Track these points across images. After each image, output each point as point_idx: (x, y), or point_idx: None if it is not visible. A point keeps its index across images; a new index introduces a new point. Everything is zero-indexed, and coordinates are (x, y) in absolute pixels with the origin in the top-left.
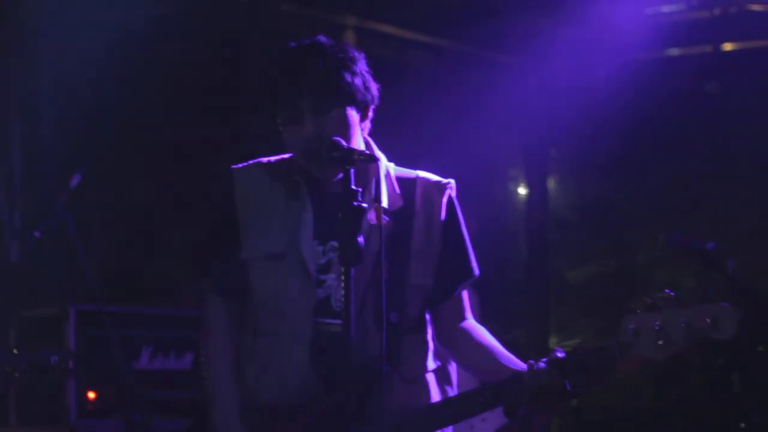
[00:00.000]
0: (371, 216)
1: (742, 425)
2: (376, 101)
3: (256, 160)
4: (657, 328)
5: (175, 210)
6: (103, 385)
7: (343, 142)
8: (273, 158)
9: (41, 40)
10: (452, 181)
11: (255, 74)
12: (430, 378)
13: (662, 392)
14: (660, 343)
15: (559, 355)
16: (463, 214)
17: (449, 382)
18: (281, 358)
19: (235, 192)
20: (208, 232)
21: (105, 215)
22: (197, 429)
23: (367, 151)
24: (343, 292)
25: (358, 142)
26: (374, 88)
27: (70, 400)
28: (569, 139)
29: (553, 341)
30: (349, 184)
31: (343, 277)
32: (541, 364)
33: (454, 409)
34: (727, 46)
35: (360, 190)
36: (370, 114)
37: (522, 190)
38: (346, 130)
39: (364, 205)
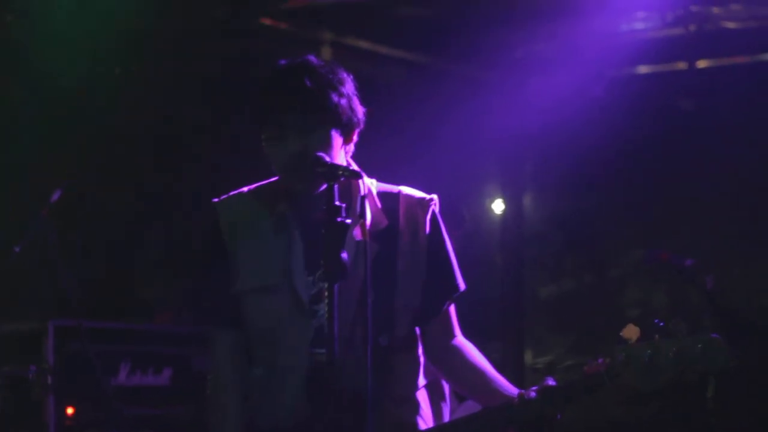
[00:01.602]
0: (356, 233)
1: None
2: (362, 125)
3: (237, 191)
4: (647, 359)
5: (156, 225)
6: (82, 401)
7: (327, 158)
8: (254, 186)
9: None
10: (435, 197)
11: (232, 87)
12: (421, 395)
13: (637, 406)
14: (649, 372)
15: (551, 384)
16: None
17: (442, 397)
18: (276, 388)
19: (220, 225)
20: (198, 270)
21: (85, 231)
22: None
23: (351, 167)
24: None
25: (342, 162)
26: (360, 111)
27: (49, 415)
28: (544, 154)
29: (528, 356)
30: (333, 200)
31: (326, 293)
32: (532, 394)
33: None
34: (702, 63)
35: (344, 205)
36: (355, 138)
37: (497, 206)
38: (329, 150)
39: (348, 221)
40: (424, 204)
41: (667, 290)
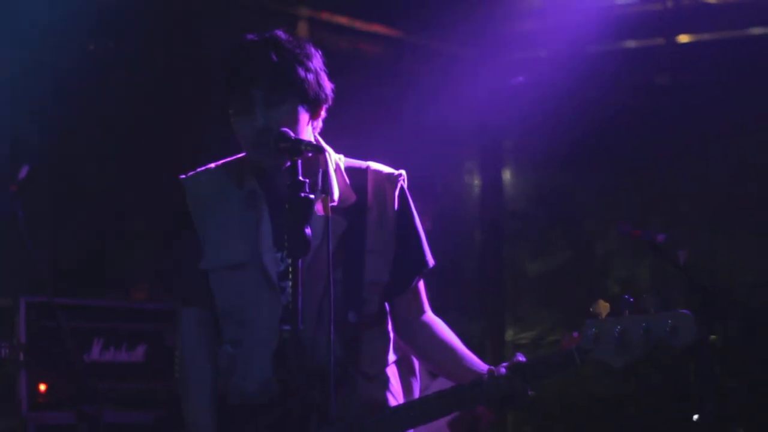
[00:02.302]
0: (318, 208)
1: (695, 417)
2: (330, 101)
3: (204, 167)
4: (617, 334)
5: (129, 199)
6: (55, 377)
7: (291, 133)
8: (222, 162)
9: None
10: (403, 172)
11: (206, 62)
12: (391, 371)
13: (619, 382)
14: (620, 347)
15: (521, 360)
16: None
17: (413, 373)
18: (245, 365)
19: (187, 201)
20: (169, 247)
21: (57, 206)
22: (169, 422)
23: (315, 142)
24: (306, 297)
25: (308, 138)
26: (328, 87)
27: (21, 392)
28: (524, 131)
29: (509, 333)
30: (297, 175)
31: (290, 268)
32: (502, 370)
33: (415, 412)
34: (681, 39)
35: (307, 181)
36: (322, 113)
37: (477, 182)
38: (295, 125)
39: (312, 196)
40: (393, 179)
41: (651, 266)
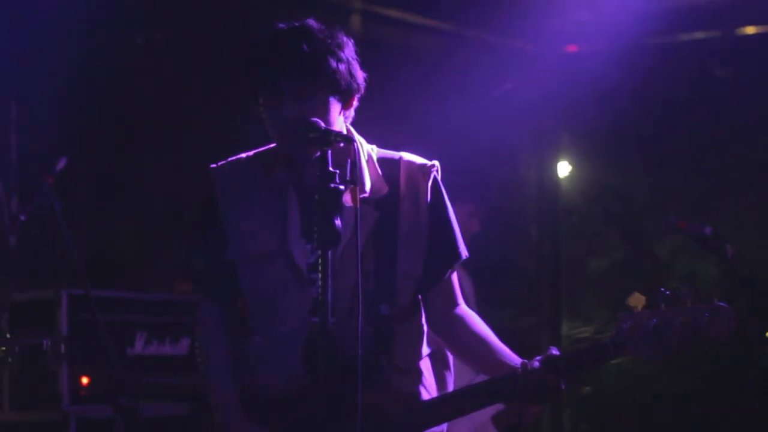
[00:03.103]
0: (346, 199)
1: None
2: (362, 90)
3: (235, 157)
4: (653, 327)
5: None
6: (96, 371)
7: (322, 123)
8: (252, 152)
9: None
10: (437, 163)
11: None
12: (425, 365)
13: (680, 379)
14: (655, 341)
15: (554, 354)
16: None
17: (446, 366)
18: (274, 357)
19: (216, 192)
20: (193, 236)
21: (98, 198)
22: (198, 415)
23: (345, 133)
24: (337, 289)
25: (339, 128)
26: (360, 76)
27: (63, 385)
28: (581, 124)
29: (565, 329)
30: (326, 165)
31: (319, 260)
32: (536, 364)
33: (448, 406)
34: (740, 31)
35: (337, 172)
36: (354, 103)
37: (533, 176)
38: (326, 115)
39: (341, 187)
40: (425, 170)
41: (716, 263)
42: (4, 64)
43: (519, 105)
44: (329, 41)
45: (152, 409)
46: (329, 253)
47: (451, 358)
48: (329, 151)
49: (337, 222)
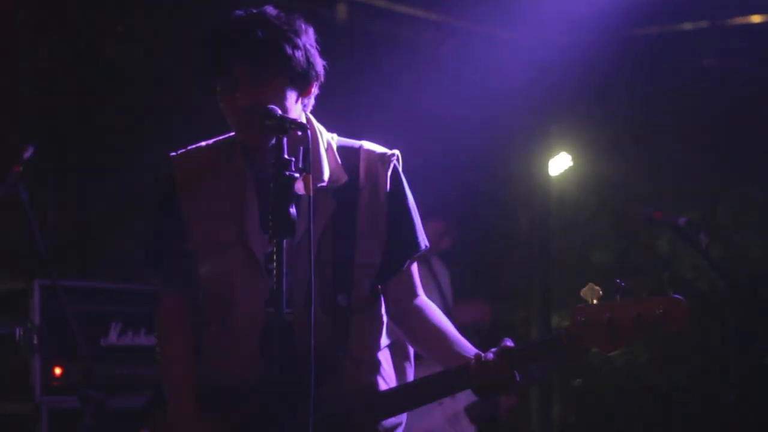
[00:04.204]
0: (299, 187)
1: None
2: (321, 78)
3: (195, 145)
4: (607, 320)
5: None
6: (70, 361)
7: (278, 110)
8: (212, 140)
9: None
10: (397, 152)
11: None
12: (383, 356)
13: (667, 372)
14: (609, 334)
15: (509, 345)
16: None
17: (406, 358)
18: (231, 347)
19: (175, 180)
20: (152, 225)
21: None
22: (153, 407)
23: (301, 120)
24: (294, 279)
25: (296, 116)
26: (319, 64)
27: (35, 376)
28: (572, 115)
29: (555, 320)
30: (282, 153)
31: (275, 249)
32: (490, 355)
33: (403, 397)
34: (729, 21)
35: (293, 159)
36: (314, 90)
37: (524, 167)
38: (282, 103)
39: (296, 175)
40: (385, 159)
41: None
42: None
43: (509, 96)
44: (285, 28)
45: (126, 400)
46: (285, 242)
47: (411, 349)
48: (285, 139)
49: (292, 211)
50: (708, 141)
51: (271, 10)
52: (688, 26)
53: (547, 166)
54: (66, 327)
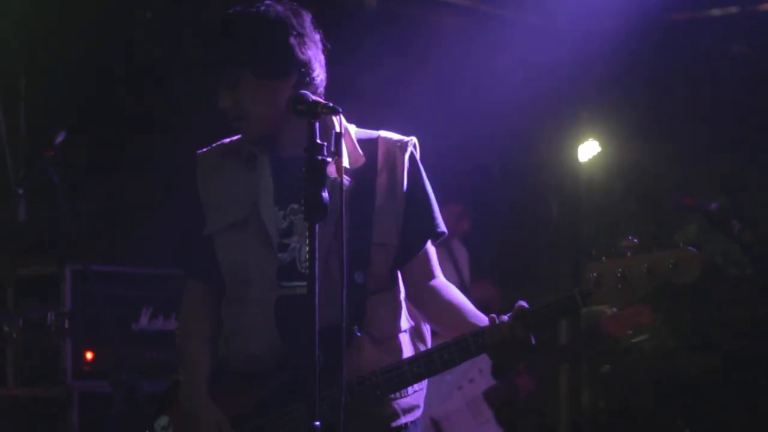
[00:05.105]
0: (330, 170)
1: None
2: (304, 64)
3: (219, 142)
4: (619, 275)
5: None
6: (101, 346)
7: (310, 95)
8: (237, 136)
9: None
10: (414, 139)
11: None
12: (403, 338)
13: (696, 357)
14: (622, 289)
15: (523, 306)
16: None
17: (423, 341)
18: (247, 324)
19: (197, 175)
20: (175, 218)
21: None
22: (172, 393)
23: (330, 104)
24: (307, 254)
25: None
26: (296, 53)
27: (66, 361)
28: (601, 101)
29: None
30: (314, 137)
31: (307, 234)
32: (504, 317)
33: (420, 365)
34: (758, 7)
35: (325, 144)
36: (304, 79)
37: (554, 153)
38: (255, 97)
39: (329, 159)
40: (403, 145)
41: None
42: (12, 38)
43: (539, 82)
44: (248, 27)
45: (158, 385)
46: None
47: (428, 334)
48: (317, 123)
49: (325, 195)
50: (737, 127)
51: (238, 10)
52: (717, 12)
53: (576, 152)
54: (97, 312)
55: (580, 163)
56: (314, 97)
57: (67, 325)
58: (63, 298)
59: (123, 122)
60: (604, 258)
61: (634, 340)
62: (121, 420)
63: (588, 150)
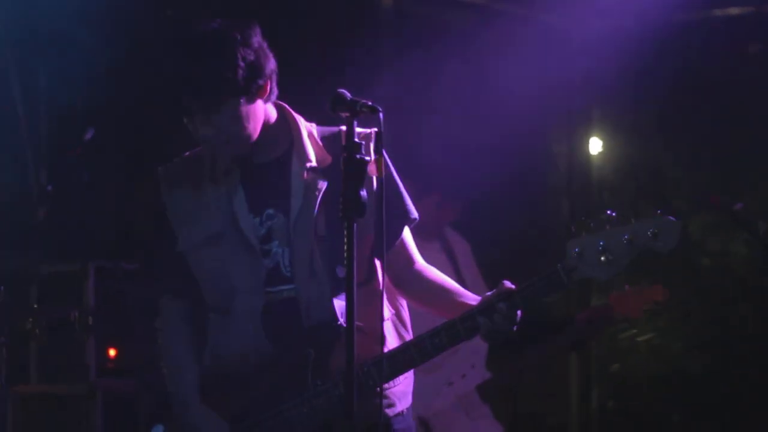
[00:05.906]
0: (372, 168)
1: None
2: (273, 75)
3: (180, 157)
4: (600, 248)
5: None
6: (124, 343)
7: (348, 94)
8: (198, 149)
9: None
10: (375, 130)
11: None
12: (387, 326)
13: (705, 356)
14: (604, 261)
15: (509, 286)
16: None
17: (405, 327)
18: (234, 331)
19: (161, 191)
20: (144, 236)
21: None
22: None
23: (369, 102)
24: (295, 256)
25: (268, 116)
26: (266, 67)
27: (90, 358)
28: (613, 100)
29: (593, 300)
30: (352, 136)
31: (345, 233)
32: (490, 295)
33: (412, 352)
34: None
35: (363, 143)
36: (268, 88)
37: (565, 151)
38: (239, 120)
39: (367, 158)
40: (366, 138)
41: (746, 241)
42: (33, 36)
43: (551, 81)
44: (218, 51)
45: None
46: (279, 221)
47: (407, 319)
48: (355, 122)
49: (363, 193)
50: (754, 127)
51: (195, 37)
52: (734, 11)
53: (587, 150)
54: (120, 309)
55: (591, 163)
56: (353, 97)
57: (90, 323)
58: (86, 296)
59: (150, 119)
60: (584, 233)
61: (639, 339)
62: (146, 420)
63: (598, 148)
